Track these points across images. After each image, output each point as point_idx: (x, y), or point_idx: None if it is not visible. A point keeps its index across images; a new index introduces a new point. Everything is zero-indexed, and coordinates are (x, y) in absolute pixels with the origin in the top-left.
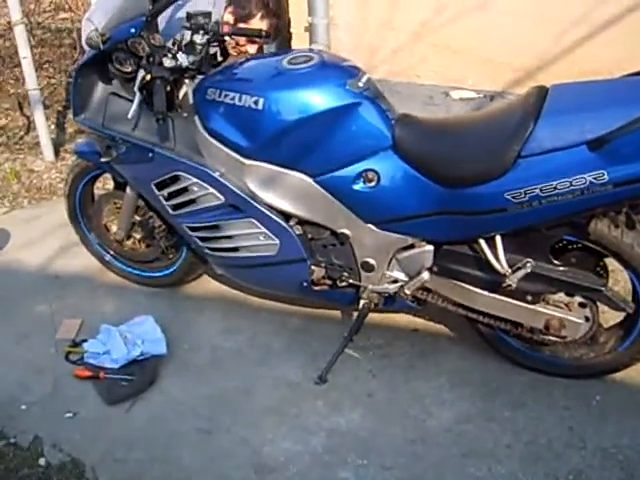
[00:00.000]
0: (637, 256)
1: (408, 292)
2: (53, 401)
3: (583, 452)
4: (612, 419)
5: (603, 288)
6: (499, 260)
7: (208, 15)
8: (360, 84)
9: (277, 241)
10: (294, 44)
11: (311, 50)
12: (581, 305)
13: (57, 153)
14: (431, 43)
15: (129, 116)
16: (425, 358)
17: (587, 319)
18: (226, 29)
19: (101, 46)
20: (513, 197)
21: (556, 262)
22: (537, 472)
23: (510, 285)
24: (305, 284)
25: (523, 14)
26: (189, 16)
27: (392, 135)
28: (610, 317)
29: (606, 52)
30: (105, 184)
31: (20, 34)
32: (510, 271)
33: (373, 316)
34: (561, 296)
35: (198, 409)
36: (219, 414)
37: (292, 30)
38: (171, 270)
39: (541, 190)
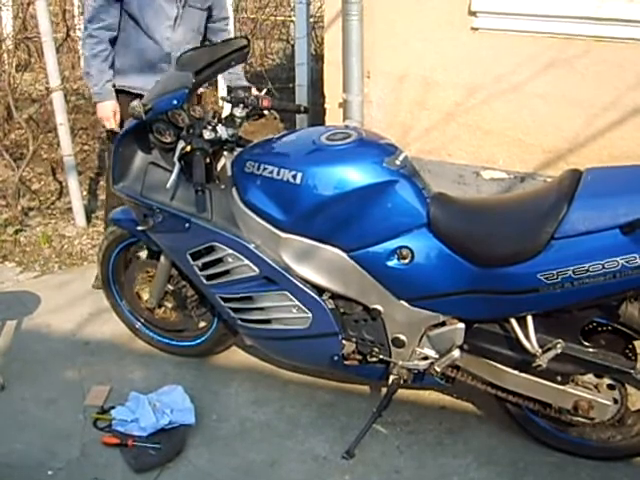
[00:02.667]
0: None
1: (438, 369)
2: (80, 467)
3: None
4: None
5: (632, 370)
6: (530, 340)
7: (248, 89)
8: (397, 162)
9: (310, 314)
10: (327, 119)
11: (348, 127)
12: (610, 387)
13: (89, 219)
14: (463, 123)
15: (168, 186)
16: (453, 435)
17: (615, 401)
18: (266, 103)
19: (143, 116)
20: (546, 278)
21: (586, 343)
22: None
23: (540, 365)
24: (336, 358)
25: (554, 97)
26: (229, 90)
27: (427, 213)
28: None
29: (636, 136)
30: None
31: (58, 100)
32: (540, 351)
33: (401, 392)
34: (590, 377)
35: None
36: None
37: (326, 105)
38: (201, 340)
39: (574, 272)
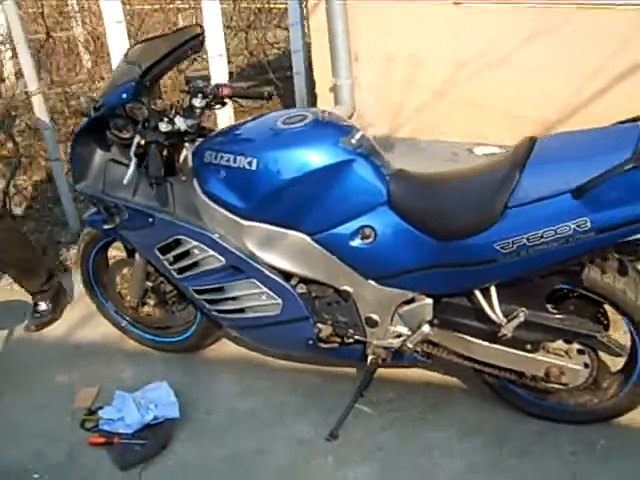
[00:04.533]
0: (630, 302)
1: (411, 346)
2: (67, 469)
3: None
4: (615, 462)
5: (598, 334)
6: (494, 310)
7: (207, 78)
8: (353, 141)
9: (280, 300)
10: (319, 105)
11: (308, 109)
12: (580, 352)
13: (83, 224)
14: (453, 100)
15: (125, 182)
16: (436, 410)
17: (586, 365)
18: (226, 91)
19: (92, 112)
20: (502, 247)
21: (553, 310)
22: None
23: (505, 334)
24: (311, 342)
25: (540, 67)
26: (187, 79)
27: (387, 191)
28: (619, 362)
29: (623, 102)
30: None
31: (37, 104)
32: (505, 321)
33: (385, 371)
34: (560, 344)
35: (211, 471)
36: (232, 476)
37: (317, 91)
38: (187, 335)
39: (528, 240)
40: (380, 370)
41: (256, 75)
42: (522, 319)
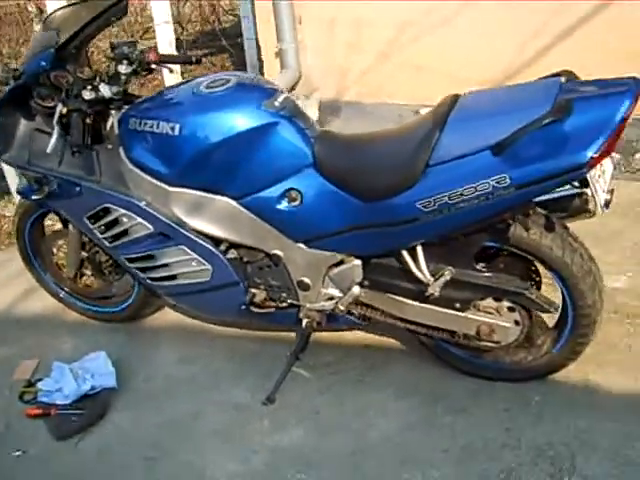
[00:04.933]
0: (556, 258)
1: (342, 308)
2: (3, 441)
3: (517, 451)
4: (548, 418)
5: (526, 291)
6: (421, 269)
7: (133, 44)
8: (276, 103)
9: (209, 266)
10: (265, 71)
11: (232, 73)
12: (510, 309)
13: None
14: (398, 62)
15: (48, 150)
16: (374, 371)
17: (517, 323)
18: (152, 57)
19: (11, 81)
20: (424, 206)
21: (481, 268)
22: (470, 474)
23: (433, 294)
24: (243, 307)
25: (484, 28)
26: (113, 46)
27: (312, 153)
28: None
29: (567, 61)
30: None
31: None
32: (432, 280)
33: (325, 335)
34: (490, 302)
35: (146, 438)
36: (167, 441)
37: (262, 57)
38: (126, 304)
39: (449, 197)
40: (320, 334)
41: (210, 42)
42: (449, 278)
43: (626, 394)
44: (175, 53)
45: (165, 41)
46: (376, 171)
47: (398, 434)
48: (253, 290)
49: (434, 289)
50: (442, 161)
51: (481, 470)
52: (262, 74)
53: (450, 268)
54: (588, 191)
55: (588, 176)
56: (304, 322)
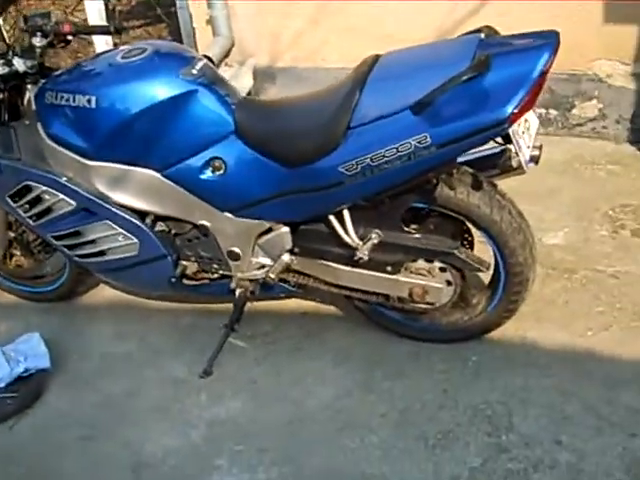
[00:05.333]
0: (485, 216)
1: (273, 276)
2: None
3: (454, 412)
4: (485, 377)
5: (455, 251)
6: (349, 234)
7: (47, 15)
8: (194, 71)
9: (136, 240)
10: (198, 39)
11: (149, 42)
12: (442, 270)
13: None
14: (331, 26)
15: None
16: (311, 339)
17: (449, 283)
18: (67, 28)
19: None
20: (347, 170)
21: (410, 230)
22: (408, 436)
23: (362, 258)
24: (174, 280)
25: None
26: (25, 18)
27: (233, 120)
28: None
29: (498, 21)
30: None
31: None
32: (361, 244)
33: (262, 304)
34: (421, 263)
35: (83, 417)
36: (103, 420)
37: (194, 25)
38: (59, 283)
39: (371, 159)
40: (257, 303)
41: (146, 12)
42: (377, 241)
43: (563, 350)
44: (104, 23)
45: (94, 12)
46: (297, 136)
47: (336, 401)
48: (184, 262)
49: (363, 253)
50: (363, 123)
51: (419, 432)
52: (195, 43)
53: (378, 231)
54: (512, 147)
55: (510, 132)
56: (237, 292)
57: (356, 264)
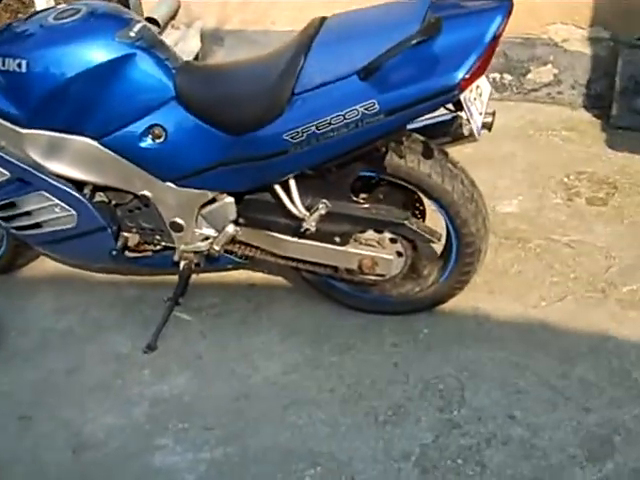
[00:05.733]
0: (436, 185)
1: (217, 248)
2: None
3: (405, 386)
4: (437, 350)
5: (405, 221)
6: (295, 204)
7: None
8: (132, 34)
9: (73, 212)
10: (144, 4)
11: (83, 2)
12: (392, 241)
13: None
14: None
15: None
16: (258, 312)
17: (400, 254)
18: None
19: None
20: (292, 138)
21: (359, 200)
22: (357, 412)
23: (309, 229)
24: (114, 252)
25: None
26: None
27: (174, 85)
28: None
29: None
30: None
31: None
32: (308, 214)
33: (209, 275)
34: (371, 234)
35: (21, 396)
36: (43, 399)
37: None
38: None
39: (317, 127)
40: (204, 275)
41: None
42: (323, 212)
43: (515, 322)
44: None
45: None
46: (240, 102)
47: (283, 376)
48: (125, 234)
49: (309, 224)
50: (308, 89)
51: (369, 408)
52: (140, 4)
53: (325, 201)
54: (463, 115)
55: (462, 99)
56: (181, 264)
57: (303, 235)
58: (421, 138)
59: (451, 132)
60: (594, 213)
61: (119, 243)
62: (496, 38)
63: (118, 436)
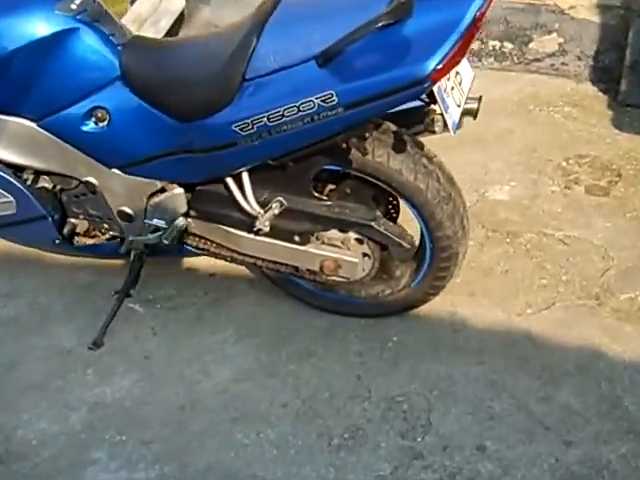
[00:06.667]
0: (407, 183)
1: (167, 242)
2: None
3: (366, 404)
4: (406, 362)
5: (372, 223)
6: (248, 200)
7: None
8: (73, 6)
9: (11, 198)
10: None
11: None
12: (358, 241)
13: None
14: None
15: None
16: (216, 307)
17: (366, 256)
18: None
19: None
20: (241, 129)
21: (323, 196)
22: (310, 432)
23: (262, 228)
24: (57, 241)
25: None
26: None
27: (119, 63)
28: None
29: None
30: None
31: None
32: (262, 212)
33: (170, 263)
34: (335, 233)
35: None
36: None
37: None
38: None
39: (269, 119)
40: (162, 262)
41: None
42: (277, 211)
43: (496, 331)
44: None
45: None
46: (188, 85)
47: (234, 384)
48: (73, 220)
49: (262, 224)
50: (260, 74)
51: (324, 428)
52: None
53: (280, 199)
54: (436, 108)
55: (435, 90)
56: (132, 254)
57: (259, 232)
58: (393, 128)
59: (424, 124)
60: (593, 204)
61: (65, 229)
62: (476, 22)
63: (51, 444)
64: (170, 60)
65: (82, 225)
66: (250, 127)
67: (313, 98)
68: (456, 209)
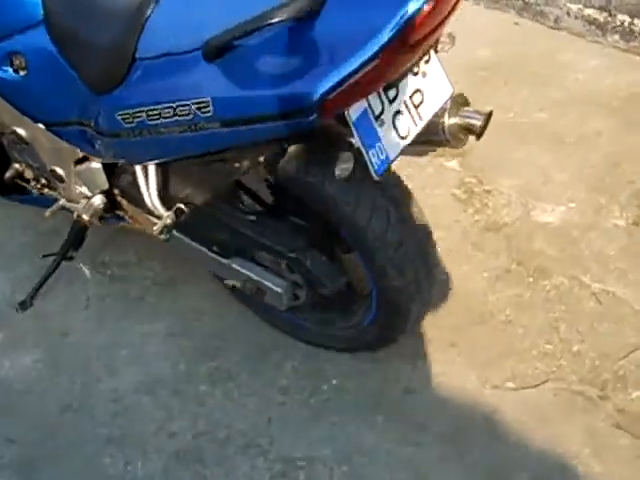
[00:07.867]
0: (344, 217)
1: (86, 217)
2: None
3: (259, 461)
4: (330, 418)
5: (293, 254)
6: (151, 197)
7: None
8: None
9: None
10: None
11: None
12: (289, 268)
13: None
14: None
15: None
16: (163, 289)
17: (298, 285)
18: None
19: None
20: (123, 119)
21: (247, 208)
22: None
23: (162, 231)
24: None
25: None
26: None
27: (43, 5)
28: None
29: None
30: None
31: None
32: (165, 215)
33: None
34: (265, 254)
35: None
36: None
37: None
38: None
39: (147, 115)
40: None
41: None
42: (175, 218)
43: (455, 404)
44: None
45: None
46: (93, 47)
47: (132, 395)
48: (17, 166)
49: (159, 229)
50: (149, 56)
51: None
52: None
53: (181, 206)
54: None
55: (348, 118)
56: (74, 215)
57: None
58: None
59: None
60: None
61: (8, 174)
62: (408, 35)
63: None
64: (88, 11)
65: (28, 172)
66: (131, 120)
67: (190, 102)
68: (408, 258)
